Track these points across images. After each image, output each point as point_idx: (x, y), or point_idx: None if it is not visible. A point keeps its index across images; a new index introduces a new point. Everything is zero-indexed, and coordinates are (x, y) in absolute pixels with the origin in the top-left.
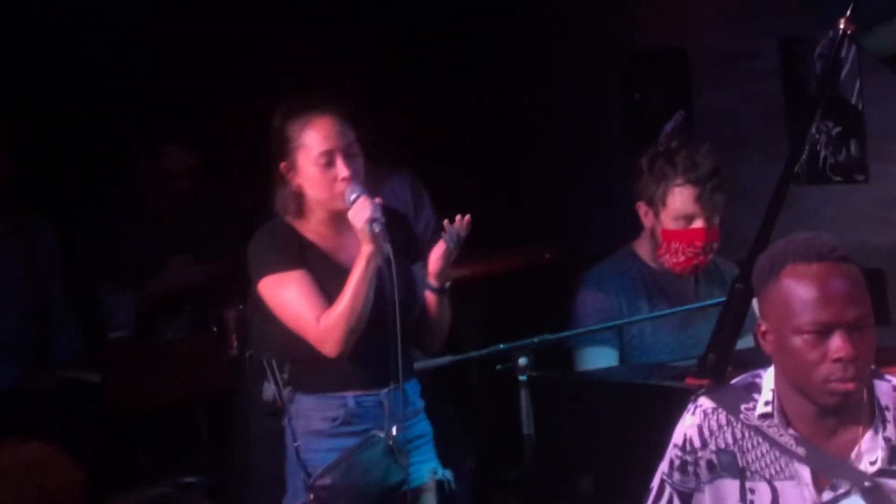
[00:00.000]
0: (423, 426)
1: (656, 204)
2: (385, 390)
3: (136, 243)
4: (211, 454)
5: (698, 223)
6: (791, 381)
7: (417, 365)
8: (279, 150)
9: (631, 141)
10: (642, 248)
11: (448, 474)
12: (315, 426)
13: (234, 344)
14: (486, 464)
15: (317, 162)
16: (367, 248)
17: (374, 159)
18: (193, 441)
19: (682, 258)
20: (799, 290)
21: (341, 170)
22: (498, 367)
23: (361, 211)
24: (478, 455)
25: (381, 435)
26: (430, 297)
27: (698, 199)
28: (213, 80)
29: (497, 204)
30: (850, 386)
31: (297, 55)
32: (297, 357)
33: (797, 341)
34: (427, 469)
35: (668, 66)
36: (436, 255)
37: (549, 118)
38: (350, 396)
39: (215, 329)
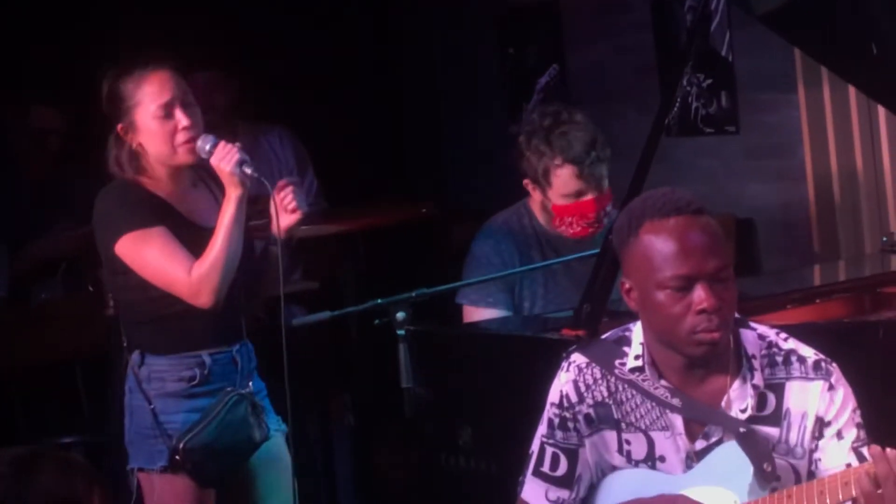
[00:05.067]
0: (259, 381)
1: (541, 182)
2: (237, 346)
3: (9, 204)
4: (90, 414)
5: (587, 196)
6: (657, 335)
7: (296, 321)
8: (115, 111)
9: (507, 96)
10: (536, 209)
11: (284, 426)
12: (170, 388)
13: (110, 303)
14: (365, 419)
15: (155, 115)
16: (236, 192)
17: (251, 117)
18: (72, 401)
19: (577, 228)
20: (658, 245)
21: (181, 119)
22: (376, 321)
23: (228, 155)
24: (357, 410)
25: (242, 391)
26: (272, 251)
27: (580, 176)
28: (79, 37)
29: (375, 159)
30: (716, 335)
31: (163, 9)
32: (150, 317)
33: (660, 296)
34: (271, 421)
35: (541, 21)
36: (288, 209)
37: (427, 73)
38: (205, 354)
39: (91, 289)
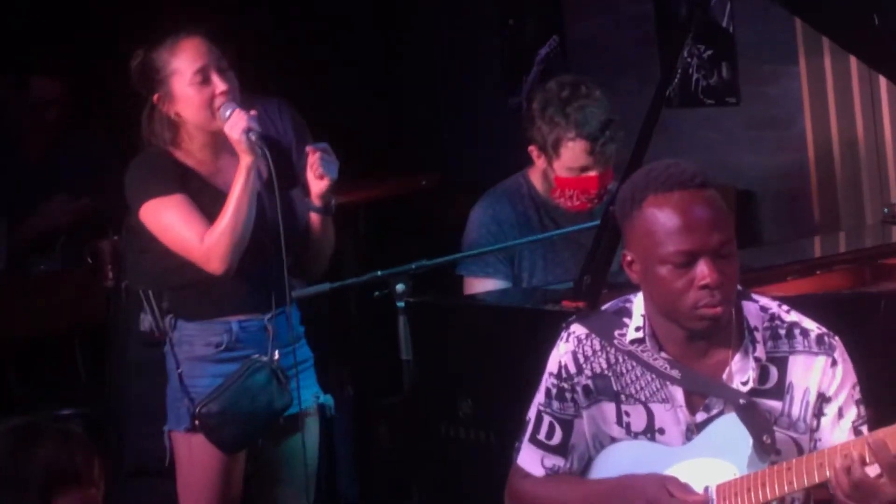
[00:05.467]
0: (305, 351)
1: (548, 151)
2: (269, 315)
3: (8, 177)
4: (88, 386)
5: (592, 172)
6: (659, 308)
7: (295, 293)
8: (149, 83)
9: (506, 67)
10: (536, 179)
11: (329, 399)
12: (198, 352)
13: (110, 275)
14: (364, 391)
15: (192, 82)
16: (246, 160)
17: (249, 88)
18: (71, 374)
19: (576, 202)
20: (661, 219)
21: (218, 84)
22: (376, 293)
23: (238, 122)
24: (356, 382)
25: (264, 359)
26: (314, 219)
27: (591, 152)
28: (78, 7)
29: (374, 130)
30: (718, 310)
31: None
32: (178, 284)
33: (663, 270)
34: (310, 394)
35: None
36: (316, 175)
37: (426, 45)
38: (234, 321)
39: (90, 260)
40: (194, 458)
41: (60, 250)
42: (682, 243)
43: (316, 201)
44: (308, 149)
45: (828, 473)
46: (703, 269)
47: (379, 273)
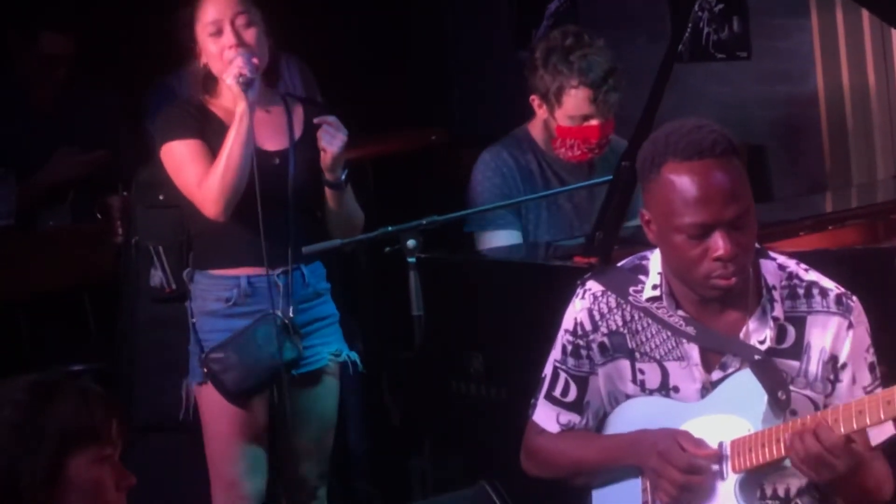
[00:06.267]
0: (327, 308)
1: (551, 100)
2: (280, 270)
3: (17, 132)
4: (99, 342)
5: (593, 122)
6: (674, 272)
7: (306, 249)
8: (189, 37)
9: (516, 21)
10: (536, 132)
11: (354, 356)
12: (210, 307)
13: (119, 231)
14: (375, 347)
15: (208, 34)
16: (240, 106)
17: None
18: (81, 329)
19: (577, 152)
20: (678, 188)
21: (227, 38)
22: (387, 249)
23: (232, 69)
24: (367, 338)
25: (278, 313)
26: (328, 193)
27: (594, 100)
28: None
29: (383, 86)
30: (732, 282)
31: None
32: (196, 231)
33: (678, 238)
34: (328, 351)
35: None
36: (321, 148)
37: None
38: (243, 276)
39: (99, 216)
40: (213, 408)
41: (70, 206)
42: (696, 215)
43: (326, 174)
44: (315, 121)
45: (842, 430)
46: (717, 241)
47: (390, 229)
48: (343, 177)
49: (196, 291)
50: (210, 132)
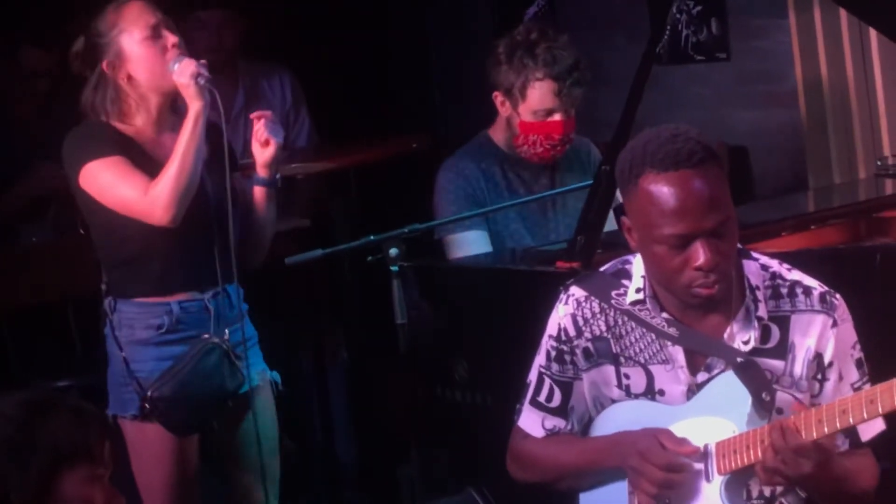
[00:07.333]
0: (250, 329)
1: (514, 95)
2: (209, 294)
3: None
4: (83, 356)
5: (557, 117)
6: (656, 280)
7: (289, 259)
8: (96, 51)
9: (496, 27)
10: (497, 135)
11: (275, 375)
12: (139, 335)
13: None
14: (359, 356)
15: (144, 37)
16: (195, 105)
17: (250, 56)
18: (66, 344)
19: (539, 150)
20: (656, 199)
21: (169, 37)
22: (369, 258)
23: (186, 68)
24: (351, 347)
25: (216, 340)
26: (258, 194)
27: (558, 93)
28: None
29: (364, 93)
30: (714, 290)
31: None
32: (117, 261)
33: (658, 249)
34: (256, 371)
35: None
36: (260, 141)
37: (417, 5)
38: (174, 302)
39: (82, 231)
40: (146, 443)
41: (52, 221)
42: (675, 226)
43: (261, 171)
44: (252, 116)
45: (826, 430)
46: (697, 251)
47: (372, 237)
48: (277, 174)
49: (121, 320)
50: (127, 151)
